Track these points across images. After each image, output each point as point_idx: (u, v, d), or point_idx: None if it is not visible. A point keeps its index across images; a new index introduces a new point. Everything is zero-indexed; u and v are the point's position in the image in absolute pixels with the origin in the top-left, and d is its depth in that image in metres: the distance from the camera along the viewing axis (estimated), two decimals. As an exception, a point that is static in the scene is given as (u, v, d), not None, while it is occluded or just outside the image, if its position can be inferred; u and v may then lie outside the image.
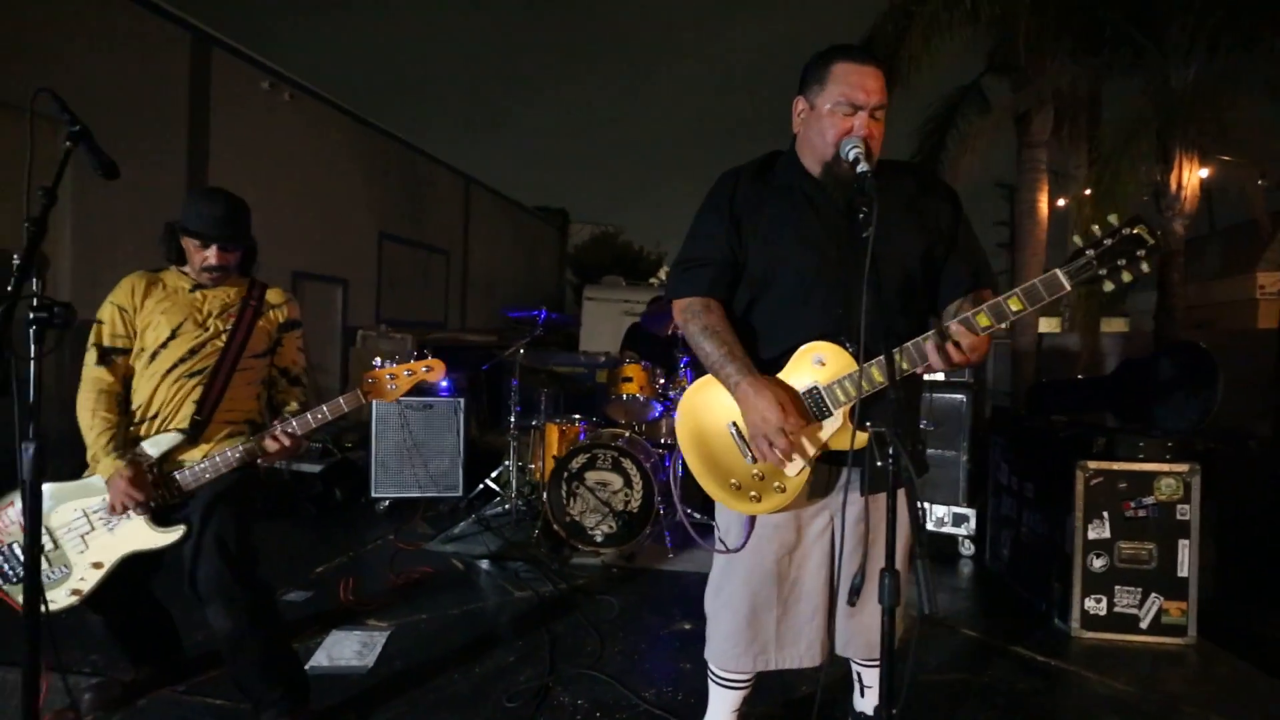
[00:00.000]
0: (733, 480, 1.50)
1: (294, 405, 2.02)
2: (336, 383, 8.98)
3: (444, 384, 4.51)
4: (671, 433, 3.95)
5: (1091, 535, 2.60)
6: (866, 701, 1.81)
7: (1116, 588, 2.59)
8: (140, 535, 1.82)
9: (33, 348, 1.41)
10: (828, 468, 1.49)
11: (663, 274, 24.40)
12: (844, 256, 1.41)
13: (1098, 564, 2.59)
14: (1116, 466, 2.58)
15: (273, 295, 2.04)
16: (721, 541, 1.62)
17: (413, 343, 8.89)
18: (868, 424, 1.32)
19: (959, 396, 3.67)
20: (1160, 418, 2.77)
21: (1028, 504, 3.03)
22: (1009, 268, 8.34)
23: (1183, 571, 2.55)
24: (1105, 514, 2.59)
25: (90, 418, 1.83)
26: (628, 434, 3.72)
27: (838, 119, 1.39)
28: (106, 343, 1.88)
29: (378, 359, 1.94)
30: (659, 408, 4.00)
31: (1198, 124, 5.80)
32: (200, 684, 2.11)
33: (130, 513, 1.81)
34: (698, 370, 1.57)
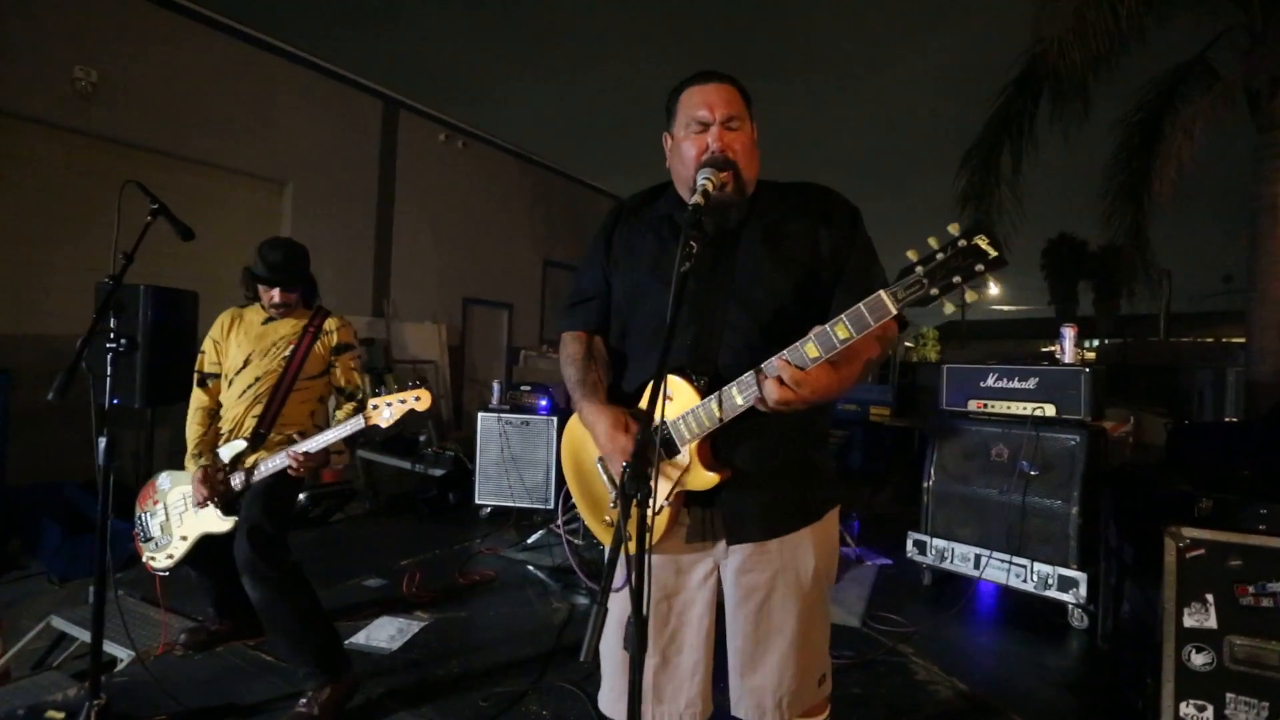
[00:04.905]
0: (606, 517, 1.49)
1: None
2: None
3: (543, 403, 4.86)
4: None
5: (1189, 622, 2.06)
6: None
7: (1228, 695, 2.01)
8: (211, 520, 2.29)
9: (109, 368, 1.92)
10: (701, 511, 1.43)
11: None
12: (703, 287, 1.36)
13: (1198, 660, 2.05)
14: (1224, 538, 2.03)
15: (329, 323, 2.40)
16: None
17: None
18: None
19: (1072, 437, 3.10)
20: (1314, 480, 2.11)
21: (1130, 573, 2.48)
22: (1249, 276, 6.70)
23: (1334, 687, 1.92)
24: (1209, 597, 2.04)
25: (189, 429, 2.36)
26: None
27: (691, 139, 1.38)
28: (205, 369, 2.40)
29: (380, 388, 2.18)
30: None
31: None
32: (267, 642, 2.56)
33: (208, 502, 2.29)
34: None
